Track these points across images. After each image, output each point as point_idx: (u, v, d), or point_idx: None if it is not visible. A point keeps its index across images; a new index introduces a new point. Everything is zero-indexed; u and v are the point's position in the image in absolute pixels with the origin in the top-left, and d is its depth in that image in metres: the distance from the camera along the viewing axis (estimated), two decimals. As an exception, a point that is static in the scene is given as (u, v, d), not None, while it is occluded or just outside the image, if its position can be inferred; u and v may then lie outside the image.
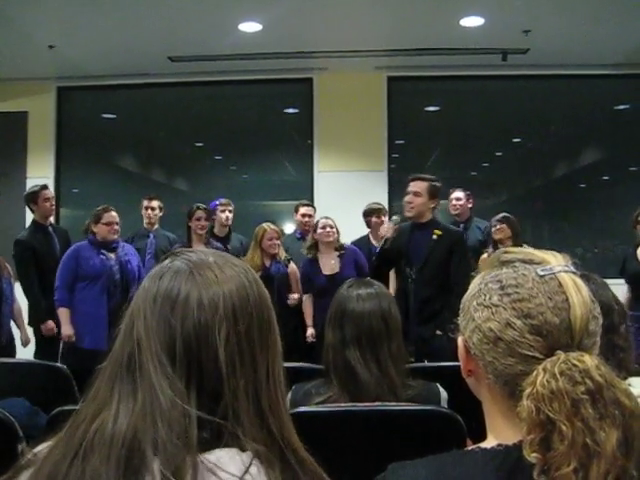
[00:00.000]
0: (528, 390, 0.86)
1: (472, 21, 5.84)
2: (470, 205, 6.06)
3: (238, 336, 0.87)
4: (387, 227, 4.47)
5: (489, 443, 0.95)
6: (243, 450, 0.83)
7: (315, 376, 2.26)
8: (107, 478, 0.77)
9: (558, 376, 0.84)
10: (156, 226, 5.97)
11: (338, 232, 5.27)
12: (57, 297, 4.84)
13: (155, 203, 5.95)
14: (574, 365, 0.85)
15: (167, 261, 0.95)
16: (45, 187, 5.55)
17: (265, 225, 5.31)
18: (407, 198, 4.37)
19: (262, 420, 0.87)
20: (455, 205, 5.95)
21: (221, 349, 0.86)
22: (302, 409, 1.99)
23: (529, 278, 0.95)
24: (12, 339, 5.00)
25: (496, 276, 0.98)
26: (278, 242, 5.28)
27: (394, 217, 4.55)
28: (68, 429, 0.86)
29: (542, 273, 0.95)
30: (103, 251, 4.87)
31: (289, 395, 2.18)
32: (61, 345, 4.98)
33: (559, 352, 0.88)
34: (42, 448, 0.89)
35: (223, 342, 0.86)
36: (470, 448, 0.96)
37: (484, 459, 0.92)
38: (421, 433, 1.89)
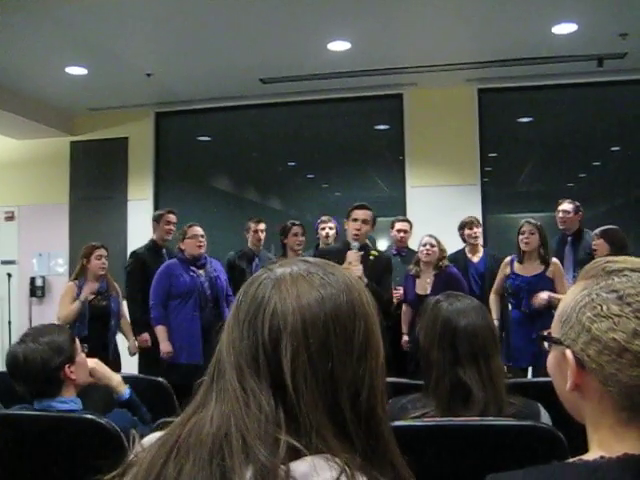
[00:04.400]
0: None
1: (565, 28, 5.69)
2: (579, 218, 5.72)
3: (309, 350, 0.86)
4: (354, 255, 4.37)
5: (591, 455, 0.92)
6: (334, 457, 0.82)
7: (409, 391, 2.24)
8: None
9: None
10: (261, 248, 6.02)
11: (442, 250, 5.20)
12: (153, 315, 5.00)
13: (262, 226, 5.97)
14: None
15: (259, 272, 0.97)
16: (171, 212, 5.80)
17: None
18: (355, 225, 4.45)
19: (347, 434, 0.86)
20: (563, 218, 5.66)
21: (287, 363, 0.85)
22: (398, 423, 1.98)
23: None
24: (118, 355, 5.26)
25: (609, 286, 0.95)
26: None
27: (354, 244, 4.48)
28: (168, 429, 0.90)
29: None
30: (193, 268, 5.02)
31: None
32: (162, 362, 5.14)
33: None
34: (147, 440, 0.93)
35: (290, 356, 0.85)
36: (572, 460, 0.93)
37: (586, 471, 0.89)
38: (521, 450, 1.85)
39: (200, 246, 5.08)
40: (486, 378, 2.04)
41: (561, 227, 5.69)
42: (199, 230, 5.14)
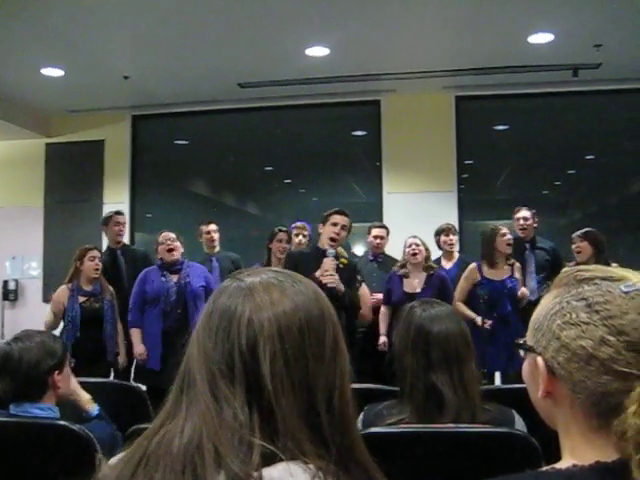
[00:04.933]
0: (633, 408, 0.84)
1: (541, 37, 5.75)
2: (535, 225, 5.82)
3: (285, 356, 0.88)
4: (331, 263, 4.34)
5: (564, 464, 0.93)
6: (307, 463, 0.83)
7: (387, 397, 2.25)
8: None
9: None
10: (217, 249, 6.03)
11: (428, 251, 5.21)
12: (129, 318, 5.07)
13: (213, 226, 6.01)
14: None
15: (227, 281, 0.98)
16: (118, 212, 5.86)
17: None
18: (335, 229, 4.40)
19: (322, 438, 0.88)
20: (522, 224, 5.73)
21: (266, 368, 0.87)
22: (374, 430, 1.98)
23: (615, 295, 0.93)
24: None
25: (579, 294, 0.96)
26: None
27: (330, 251, 4.48)
28: (137, 440, 0.90)
29: (626, 290, 0.93)
30: (164, 273, 5.03)
31: (361, 416, 2.17)
32: (134, 365, 5.16)
33: None
34: (115, 459, 0.92)
35: (269, 361, 0.87)
36: (544, 469, 0.93)
37: (558, 479, 0.90)
38: (495, 456, 1.86)
39: (170, 250, 5.06)
40: (458, 383, 2.05)
41: (521, 235, 5.75)
42: (168, 234, 5.14)
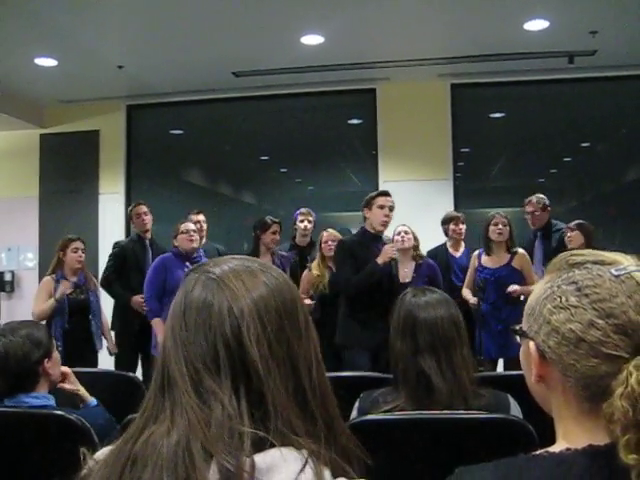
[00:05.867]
0: (620, 390, 0.84)
1: (536, 24, 5.73)
2: (547, 213, 5.75)
3: (268, 338, 0.91)
4: (390, 249, 4.42)
5: (557, 447, 0.94)
6: (298, 449, 0.85)
7: (383, 384, 2.26)
8: None
9: None
10: (204, 240, 5.96)
11: (417, 240, 5.20)
12: (149, 308, 5.05)
13: (202, 217, 5.97)
14: None
15: (192, 275, 0.99)
16: (139, 203, 5.88)
17: (324, 231, 5.37)
18: (385, 212, 4.43)
19: (309, 412, 0.91)
20: (534, 218, 5.73)
21: (254, 352, 0.89)
22: (369, 417, 1.99)
23: (605, 278, 0.94)
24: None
25: (569, 278, 0.97)
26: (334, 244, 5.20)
27: (385, 236, 4.49)
28: (120, 442, 0.89)
29: (617, 273, 0.94)
30: (187, 263, 4.99)
31: (357, 403, 2.18)
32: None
33: None
34: (101, 454, 0.92)
35: (255, 345, 0.89)
36: (538, 452, 0.94)
37: (552, 463, 0.90)
38: (491, 442, 1.87)
39: (192, 240, 5.08)
40: (446, 368, 2.07)
41: (533, 227, 5.76)
42: (191, 225, 5.18)
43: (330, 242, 5.20)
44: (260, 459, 0.81)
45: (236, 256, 1.03)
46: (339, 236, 5.24)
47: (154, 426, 0.87)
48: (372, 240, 4.44)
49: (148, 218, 5.78)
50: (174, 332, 0.94)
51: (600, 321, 0.91)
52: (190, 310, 0.94)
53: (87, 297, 5.05)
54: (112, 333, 5.54)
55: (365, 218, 4.54)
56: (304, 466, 0.82)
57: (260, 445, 0.83)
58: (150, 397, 0.92)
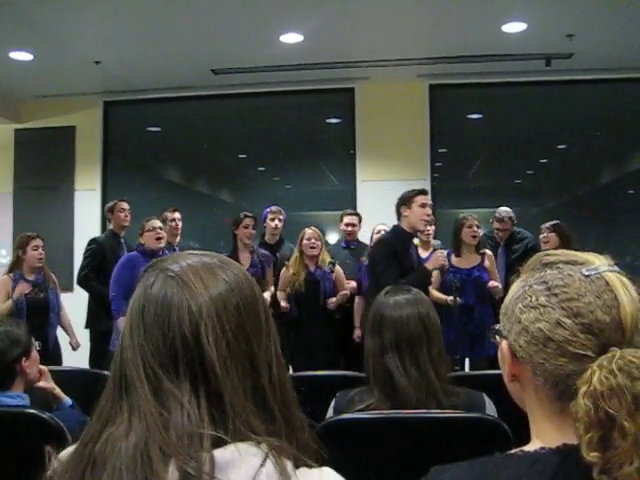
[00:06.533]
0: (584, 389, 0.85)
1: (514, 27, 5.78)
2: (513, 223, 5.84)
3: (227, 337, 0.89)
4: (441, 256, 4.40)
5: (532, 446, 0.94)
6: (258, 443, 0.84)
7: (360, 384, 2.26)
8: None
9: (617, 372, 0.83)
10: (178, 238, 5.90)
11: None
12: (115, 307, 4.94)
13: (177, 215, 5.87)
14: (631, 361, 0.84)
15: (150, 273, 0.96)
16: (123, 200, 5.83)
17: (306, 228, 5.29)
18: (426, 211, 4.30)
19: (268, 411, 0.90)
20: (499, 231, 5.80)
21: (212, 352, 0.87)
22: (343, 416, 1.99)
23: (575, 278, 0.94)
24: (58, 348, 5.17)
25: (540, 278, 0.98)
26: (318, 243, 5.18)
27: (435, 242, 4.46)
28: (79, 445, 0.88)
29: (587, 273, 0.94)
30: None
31: (332, 402, 2.18)
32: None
33: (614, 349, 0.87)
34: (65, 453, 0.91)
35: (213, 344, 0.88)
36: (513, 451, 0.95)
37: (527, 462, 0.91)
38: (466, 441, 1.87)
39: (159, 239, 5.04)
40: (410, 367, 2.08)
41: (500, 241, 5.81)
42: (156, 222, 5.12)
43: (314, 240, 5.16)
44: (219, 453, 0.81)
45: (196, 252, 1.00)
46: (321, 235, 5.23)
47: (112, 428, 0.86)
48: (408, 239, 4.35)
49: (129, 216, 5.76)
50: (132, 334, 0.91)
51: (567, 320, 0.92)
52: (148, 308, 0.91)
53: (47, 296, 4.99)
54: (87, 331, 5.50)
55: (401, 216, 4.36)
56: (264, 460, 0.81)
57: (220, 442, 0.83)
58: (107, 399, 0.90)
